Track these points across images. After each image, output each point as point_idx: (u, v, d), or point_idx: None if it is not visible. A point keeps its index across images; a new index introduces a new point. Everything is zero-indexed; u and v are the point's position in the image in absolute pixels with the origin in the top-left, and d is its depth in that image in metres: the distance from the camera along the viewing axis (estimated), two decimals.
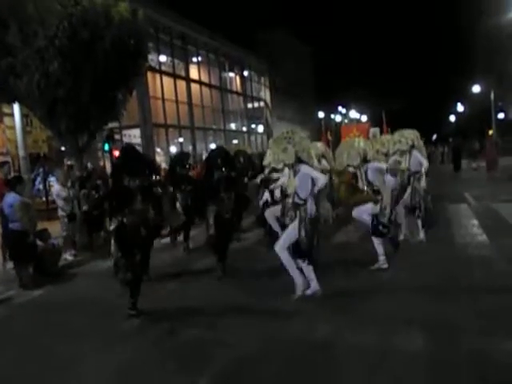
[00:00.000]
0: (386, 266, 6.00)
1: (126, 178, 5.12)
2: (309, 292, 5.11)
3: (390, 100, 53.21)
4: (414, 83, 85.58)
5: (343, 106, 52.44)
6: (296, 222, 5.04)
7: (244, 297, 5.36)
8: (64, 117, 9.54)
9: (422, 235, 7.43)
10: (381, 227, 5.91)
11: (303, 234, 4.98)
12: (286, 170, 5.23)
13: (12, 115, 13.01)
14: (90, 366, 3.95)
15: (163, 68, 25.88)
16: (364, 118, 48.39)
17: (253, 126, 37.09)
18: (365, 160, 6.04)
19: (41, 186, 13.62)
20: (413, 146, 7.57)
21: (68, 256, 8.09)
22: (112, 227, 5.10)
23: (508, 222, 8.58)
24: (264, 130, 37.92)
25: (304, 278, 5.14)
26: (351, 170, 6.36)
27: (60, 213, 8.33)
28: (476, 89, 35.23)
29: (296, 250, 5.09)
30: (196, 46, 29.10)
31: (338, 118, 49.50)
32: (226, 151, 7.07)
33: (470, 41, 35.75)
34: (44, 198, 13.55)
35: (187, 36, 27.69)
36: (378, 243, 6.02)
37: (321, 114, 42.74)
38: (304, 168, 5.04)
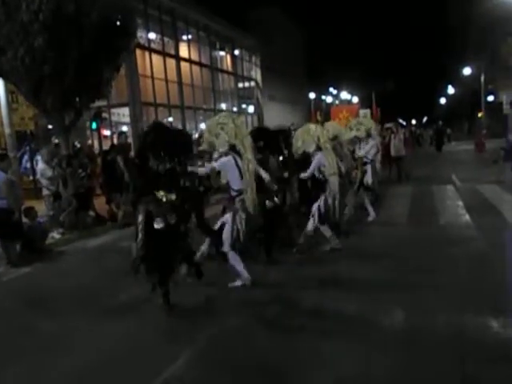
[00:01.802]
0: (340, 246, 6.07)
1: (155, 161, 4.32)
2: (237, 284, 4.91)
3: (381, 82, 53.17)
4: (406, 65, 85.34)
5: (334, 88, 52.13)
6: (229, 217, 4.81)
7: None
8: (50, 94, 9.37)
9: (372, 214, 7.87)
10: (323, 215, 5.96)
11: (237, 226, 4.77)
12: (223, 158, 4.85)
13: None
14: (73, 341, 4.01)
15: (152, 46, 25.40)
16: (355, 100, 48.18)
17: (243, 106, 36.79)
18: (318, 147, 5.98)
19: (28, 165, 13.42)
20: (369, 135, 8.14)
21: (55, 234, 8.08)
22: (140, 218, 4.31)
23: (490, 202, 8.78)
24: (255, 110, 37.66)
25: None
26: None
27: (45, 192, 8.26)
28: (467, 71, 35.16)
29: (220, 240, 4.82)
30: (186, 22, 28.55)
31: (329, 99, 49.25)
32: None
33: (462, 23, 35.60)
34: (31, 177, 13.41)
35: (177, 11, 27.13)
36: (324, 229, 6.06)
37: (312, 95, 42.45)
38: (223, 159, 4.74)
